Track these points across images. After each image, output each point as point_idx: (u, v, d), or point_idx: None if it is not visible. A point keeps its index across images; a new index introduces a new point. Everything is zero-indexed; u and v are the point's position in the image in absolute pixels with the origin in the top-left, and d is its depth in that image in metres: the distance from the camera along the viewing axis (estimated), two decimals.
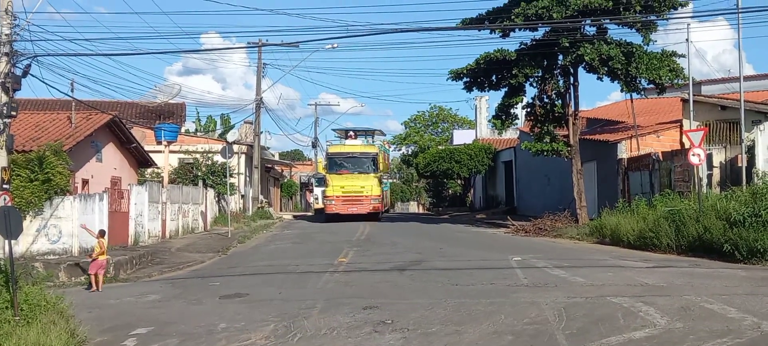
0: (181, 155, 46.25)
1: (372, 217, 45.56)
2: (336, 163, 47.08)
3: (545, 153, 36.31)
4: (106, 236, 23.45)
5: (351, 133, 53.70)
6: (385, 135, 58.73)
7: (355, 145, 50.00)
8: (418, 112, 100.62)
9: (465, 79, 36.96)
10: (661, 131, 37.41)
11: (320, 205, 63.24)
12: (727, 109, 33.85)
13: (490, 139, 66.18)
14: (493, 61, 34.92)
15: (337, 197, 45.61)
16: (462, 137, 73.32)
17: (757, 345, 13.01)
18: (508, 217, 43.29)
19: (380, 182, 48.76)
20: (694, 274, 20.72)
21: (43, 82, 32.60)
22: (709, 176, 29.99)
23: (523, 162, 52.40)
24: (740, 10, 29.28)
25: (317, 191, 66.84)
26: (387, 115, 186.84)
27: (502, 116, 37.74)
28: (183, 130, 51.38)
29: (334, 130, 60.64)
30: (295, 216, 61.65)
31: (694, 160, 26.77)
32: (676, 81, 34.28)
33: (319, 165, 47.31)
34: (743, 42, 34.73)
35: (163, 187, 35.99)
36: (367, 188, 45.83)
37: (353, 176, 46.13)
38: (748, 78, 40.26)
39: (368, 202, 45.71)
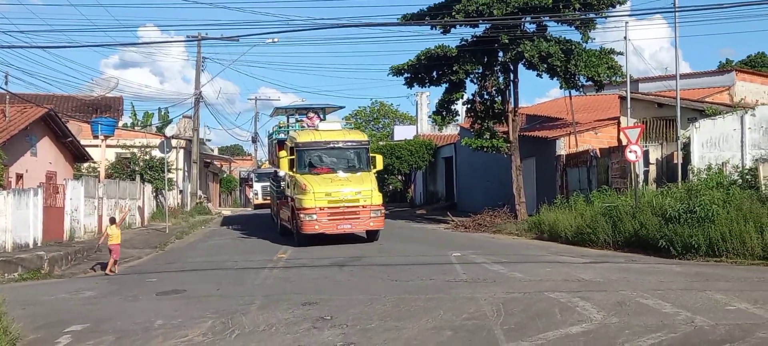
0: (119, 150, 45.80)
1: (371, 237, 29.81)
2: (310, 159, 29.73)
3: (485, 149, 36.57)
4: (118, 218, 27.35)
5: (310, 115, 37.32)
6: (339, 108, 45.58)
7: (336, 132, 31.73)
8: (359, 107, 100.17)
9: (406, 75, 36.96)
10: (599, 128, 37.89)
11: (260, 200, 62.53)
12: (664, 106, 34.40)
13: (430, 135, 66.43)
14: (434, 57, 35.02)
15: (321, 209, 27.81)
16: (403, 133, 73.41)
17: (691, 340, 13.24)
18: (449, 213, 43.46)
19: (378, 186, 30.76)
20: (630, 269, 21.02)
21: None
22: (646, 173, 30.46)
23: (463, 158, 52.60)
24: (677, 9, 29.75)
25: (257, 186, 66.23)
26: None
27: (443, 112, 37.80)
28: (120, 124, 50.86)
29: (279, 109, 43.41)
30: (234, 212, 61.23)
31: (631, 156, 27.17)
32: (614, 78, 34.72)
33: (283, 160, 31.62)
34: (680, 40, 35.39)
35: (99, 182, 35.64)
36: (364, 194, 28.46)
37: (342, 179, 29.05)
38: (684, 76, 40.91)
39: (367, 215, 28.44)
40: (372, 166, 30.43)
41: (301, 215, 27.87)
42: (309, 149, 30.05)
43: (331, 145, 30.29)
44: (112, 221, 25.66)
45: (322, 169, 29.49)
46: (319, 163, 29.82)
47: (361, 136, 32.27)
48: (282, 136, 36.55)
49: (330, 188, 28.41)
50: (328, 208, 28.01)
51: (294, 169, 29.68)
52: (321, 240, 28.56)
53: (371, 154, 30.78)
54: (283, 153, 31.62)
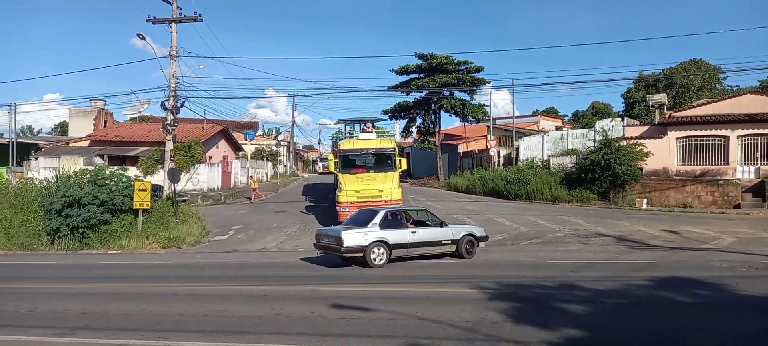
0: (256, 146, 45.63)
1: None
2: (350, 162, 18.44)
3: (425, 149, 36.62)
4: (255, 177, 29.98)
5: (367, 124, 22.88)
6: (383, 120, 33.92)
7: (370, 140, 19.61)
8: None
9: (389, 114, 36.81)
10: (478, 140, 37.83)
11: (321, 170, 61.67)
12: (508, 130, 34.31)
13: (401, 141, 65.92)
14: (403, 106, 35.01)
15: (351, 203, 17.57)
16: None
17: (518, 237, 13.42)
18: (408, 179, 43.35)
19: (400, 183, 18.93)
20: (490, 205, 21.16)
21: (191, 109, 31.82)
22: (498, 161, 30.48)
23: (415, 153, 52.14)
24: (515, 86, 29.76)
25: (320, 164, 65.37)
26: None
27: (406, 132, 37.91)
28: (257, 134, 50.67)
29: (343, 121, 29.38)
30: (309, 176, 60.59)
31: (492, 153, 27.35)
32: (485, 117, 34.78)
33: (330, 163, 19.09)
34: (516, 100, 35.16)
35: (247, 160, 35.69)
36: (386, 191, 18.01)
37: (369, 177, 18.27)
38: (517, 117, 40.90)
39: None
40: (398, 168, 18.46)
41: (337, 208, 17.90)
42: (349, 154, 18.46)
43: (364, 151, 18.70)
44: (252, 177, 28.35)
45: (358, 170, 18.24)
46: (355, 166, 18.34)
47: (389, 144, 19.24)
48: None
49: (359, 186, 17.89)
50: (357, 202, 17.32)
51: (338, 169, 18.43)
52: None
53: (397, 158, 18.74)
54: (330, 156, 21.20)
